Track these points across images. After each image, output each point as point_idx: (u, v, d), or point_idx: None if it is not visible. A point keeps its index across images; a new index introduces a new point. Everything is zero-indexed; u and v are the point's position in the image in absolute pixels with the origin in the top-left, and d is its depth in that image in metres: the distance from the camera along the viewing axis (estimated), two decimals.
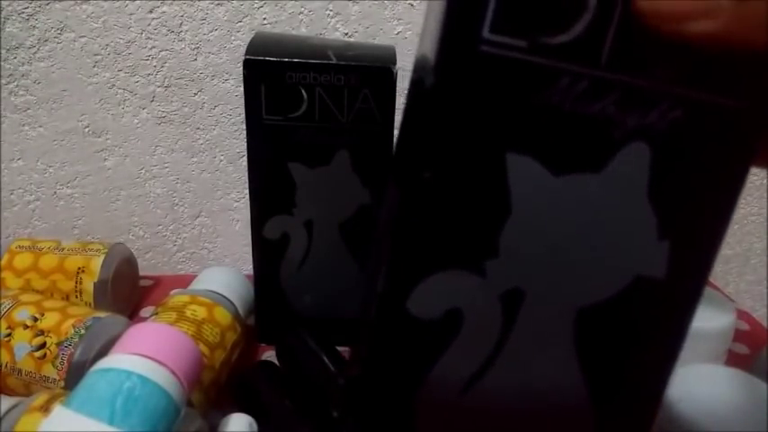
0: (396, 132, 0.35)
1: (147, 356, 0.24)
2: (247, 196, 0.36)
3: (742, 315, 0.43)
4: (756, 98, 0.15)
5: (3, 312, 0.33)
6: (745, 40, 0.13)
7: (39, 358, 0.31)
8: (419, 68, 0.18)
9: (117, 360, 0.23)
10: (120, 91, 0.45)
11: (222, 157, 0.48)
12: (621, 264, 0.17)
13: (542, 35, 0.14)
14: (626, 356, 0.18)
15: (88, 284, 0.38)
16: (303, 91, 0.33)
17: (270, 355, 0.38)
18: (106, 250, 0.40)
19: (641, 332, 0.18)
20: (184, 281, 0.41)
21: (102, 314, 0.34)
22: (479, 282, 0.17)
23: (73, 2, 0.42)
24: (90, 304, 0.38)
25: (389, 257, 0.17)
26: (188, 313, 0.33)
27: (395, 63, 0.33)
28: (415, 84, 0.19)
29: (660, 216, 0.16)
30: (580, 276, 0.17)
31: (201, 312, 0.34)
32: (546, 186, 0.16)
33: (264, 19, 0.44)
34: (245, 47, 0.33)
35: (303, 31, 0.44)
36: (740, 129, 0.15)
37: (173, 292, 0.37)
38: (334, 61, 0.32)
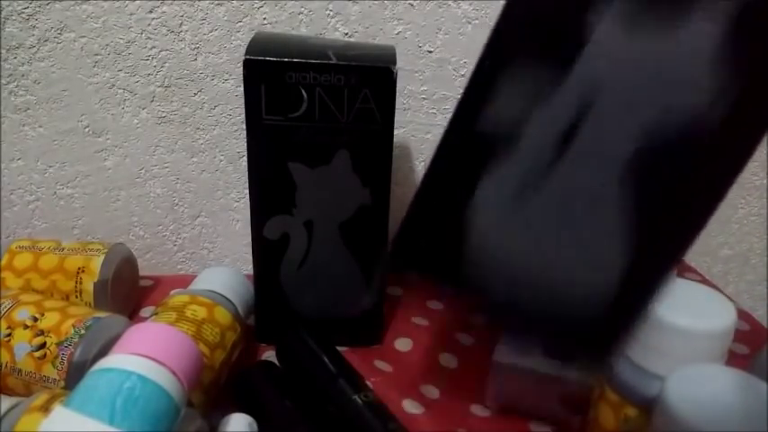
0: (396, 132, 0.35)
1: (147, 356, 0.24)
2: (247, 196, 0.36)
3: (742, 315, 0.43)
4: None
5: (3, 312, 0.33)
6: None
7: (39, 358, 0.31)
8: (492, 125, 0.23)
9: (117, 360, 0.23)
10: (120, 91, 0.45)
11: (222, 157, 0.48)
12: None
13: None
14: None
15: (88, 284, 0.38)
16: (303, 91, 0.33)
17: (270, 355, 0.38)
18: (106, 250, 0.40)
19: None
20: (184, 281, 0.41)
21: (102, 314, 0.34)
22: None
23: (73, 2, 0.42)
24: (90, 304, 0.38)
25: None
26: (188, 313, 0.33)
27: (395, 63, 0.33)
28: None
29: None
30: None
31: (201, 312, 0.34)
32: None
33: (264, 19, 0.44)
34: (245, 47, 0.33)
35: (303, 31, 0.44)
36: None
37: (173, 292, 0.37)
38: (334, 61, 0.32)
